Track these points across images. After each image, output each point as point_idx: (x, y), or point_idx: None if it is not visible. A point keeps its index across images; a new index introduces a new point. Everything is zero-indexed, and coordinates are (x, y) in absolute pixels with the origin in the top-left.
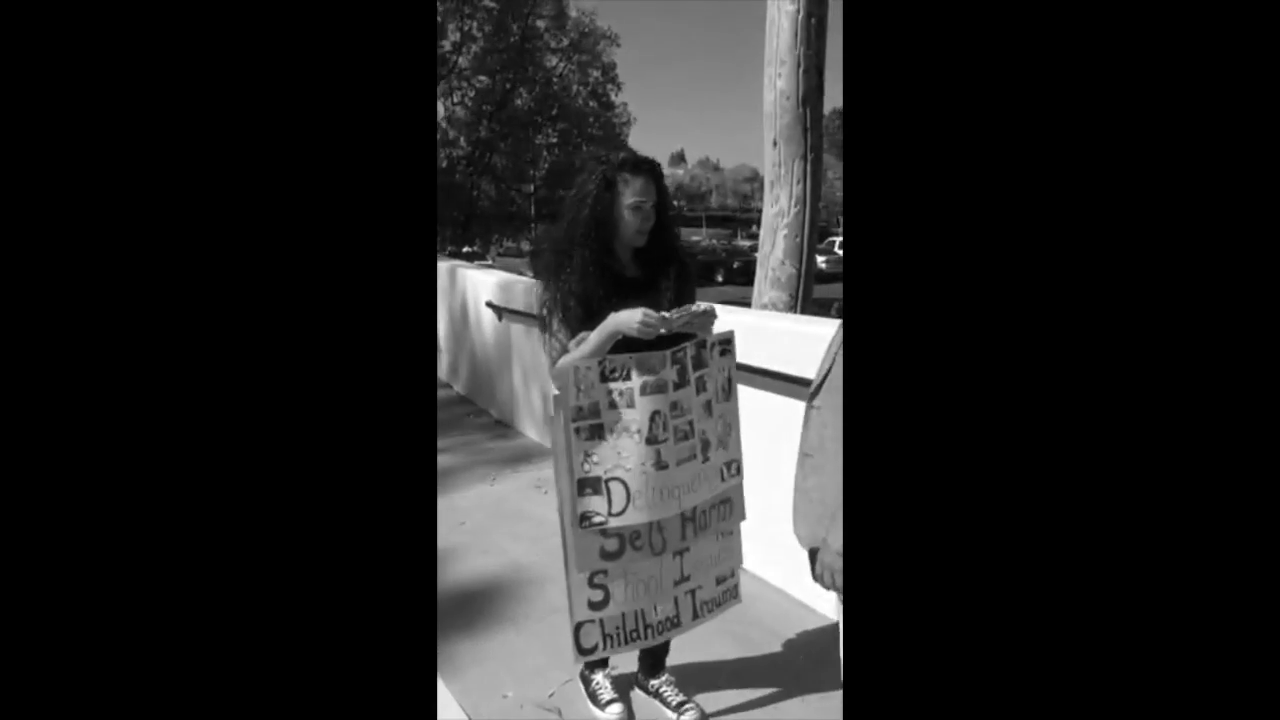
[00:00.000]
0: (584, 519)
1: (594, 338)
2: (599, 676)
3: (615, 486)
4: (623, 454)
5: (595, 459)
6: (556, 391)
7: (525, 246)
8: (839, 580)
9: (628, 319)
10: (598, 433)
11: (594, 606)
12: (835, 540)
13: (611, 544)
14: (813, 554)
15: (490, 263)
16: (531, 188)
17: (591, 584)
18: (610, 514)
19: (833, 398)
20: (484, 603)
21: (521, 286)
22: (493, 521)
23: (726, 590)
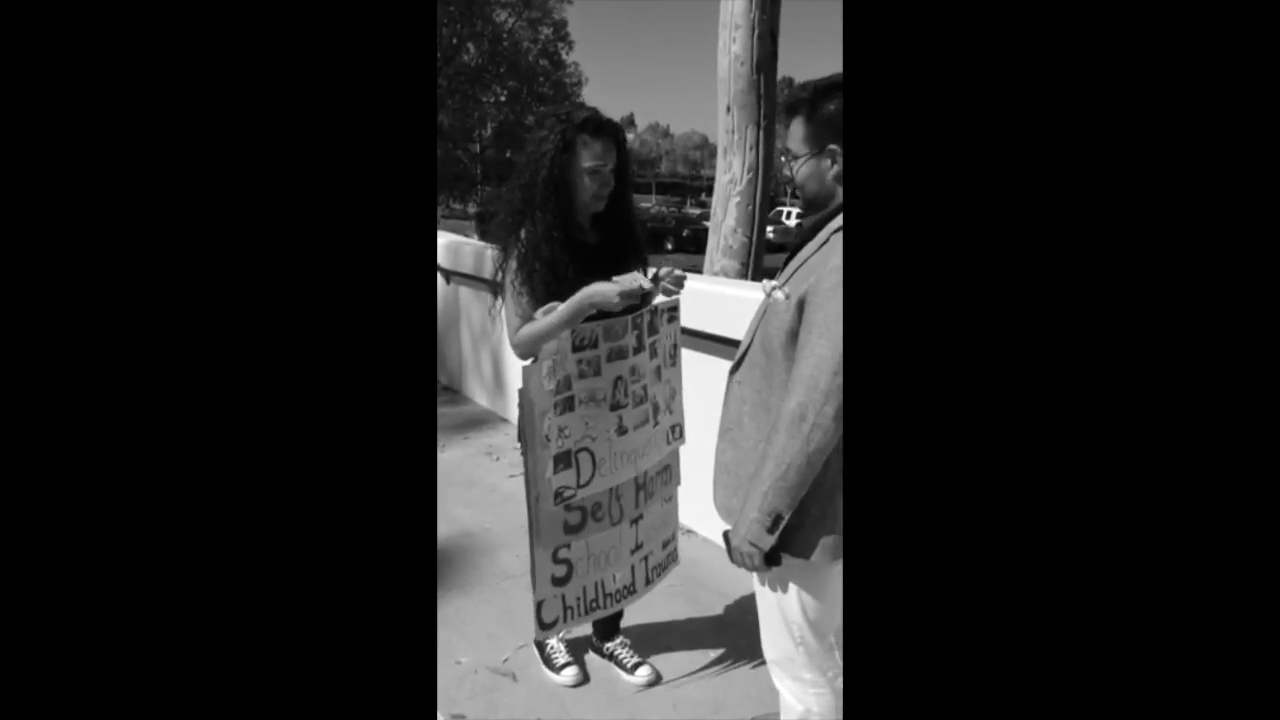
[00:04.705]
0: (558, 495)
1: (565, 310)
2: (554, 640)
3: (583, 457)
4: (590, 423)
5: (567, 432)
6: (522, 361)
7: (472, 209)
8: (757, 561)
9: (606, 294)
10: (569, 405)
11: (557, 582)
12: (750, 508)
13: (574, 517)
14: (726, 537)
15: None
16: (478, 148)
17: (555, 559)
18: (578, 485)
19: (751, 372)
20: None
21: (470, 249)
22: (442, 488)
23: (669, 554)
